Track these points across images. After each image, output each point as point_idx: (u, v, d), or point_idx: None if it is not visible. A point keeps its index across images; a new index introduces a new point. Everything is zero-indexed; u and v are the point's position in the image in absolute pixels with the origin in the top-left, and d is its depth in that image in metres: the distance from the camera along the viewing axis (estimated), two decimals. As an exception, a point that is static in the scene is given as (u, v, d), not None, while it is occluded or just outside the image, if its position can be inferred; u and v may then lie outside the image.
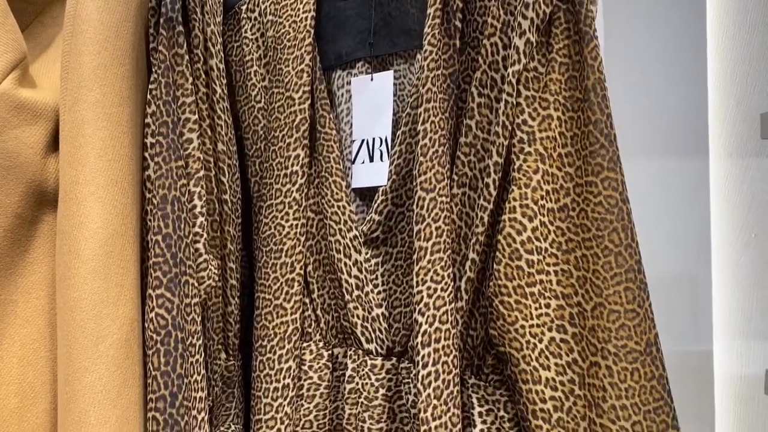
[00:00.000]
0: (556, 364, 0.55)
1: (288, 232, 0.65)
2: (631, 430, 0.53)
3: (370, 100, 0.65)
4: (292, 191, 0.64)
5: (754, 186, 0.93)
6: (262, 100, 0.68)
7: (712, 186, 0.93)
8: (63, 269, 0.51)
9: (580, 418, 0.55)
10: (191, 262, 0.56)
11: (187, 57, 0.59)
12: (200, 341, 0.56)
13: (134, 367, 0.52)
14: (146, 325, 0.53)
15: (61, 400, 0.50)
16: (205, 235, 0.58)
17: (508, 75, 0.56)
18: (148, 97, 0.56)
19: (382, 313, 0.65)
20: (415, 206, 0.58)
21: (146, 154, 0.56)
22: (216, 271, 0.60)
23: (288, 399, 0.64)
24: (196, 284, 0.56)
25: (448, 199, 0.58)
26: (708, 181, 0.93)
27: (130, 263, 0.53)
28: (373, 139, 0.65)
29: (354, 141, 0.67)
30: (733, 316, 0.91)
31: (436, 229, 0.58)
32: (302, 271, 0.65)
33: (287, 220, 0.65)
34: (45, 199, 0.55)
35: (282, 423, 0.64)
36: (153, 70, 0.57)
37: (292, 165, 0.64)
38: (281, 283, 0.65)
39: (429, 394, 0.57)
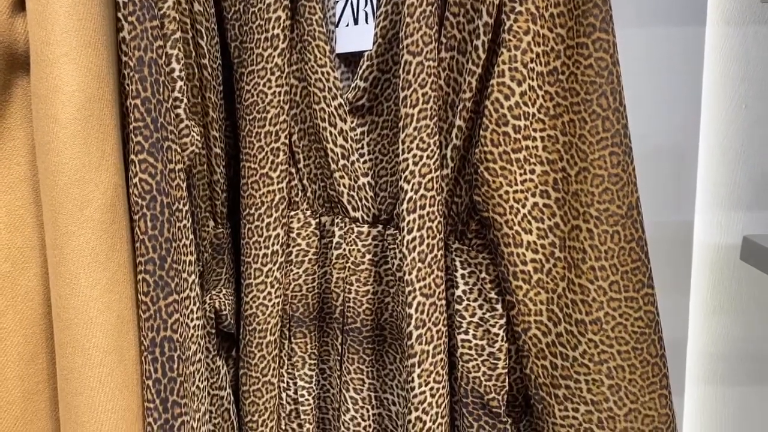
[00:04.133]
0: (538, 228, 0.57)
1: (271, 100, 0.63)
2: (609, 289, 0.55)
3: (354, -43, 0.62)
4: (274, 56, 0.62)
5: (750, 56, 0.91)
6: (240, -42, 0.64)
7: (706, 56, 0.91)
8: (41, 134, 0.50)
9: (560, 278, 0.57)
10: (172, 127, 0.55)
11: None
12: (187, 207, 0.56)
13: (121, 232, 0.52)
14: (131, 190, 0.53)
15: (50, 263, 0.51)
16: (185, 101, 0.57)
17: (501, -73, 0.53)
18: (117, -49, 0.53)
19: (368, 182, 0.65)
20: (401, 71, 0.56)
21: (119, 14, 0.53)
22: (198, 138, 0.59)
23: (277, 264, 0.66)
24: (179, 150, 0.55)
25: (436, 64, 0.57)
26: (702, 50, 0.91)
27: (110, 128, 0.52)
28: (358, -1, 0.62)
29: (337, 2, 0.63)
30: (716, 187, 0.92)
31: (423, 95, 0.56)
32: (287, 141, 0.65)
33: (270, 87, 0.63)
34: (16, 62, 0.53)
35: (272, 287, 0.66)
36: None
37: (273, 28, 0.62)
38: (266, 153, 0.64)
39: (414, 258, 0.58)
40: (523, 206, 0.56)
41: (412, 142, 0.57)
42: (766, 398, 0.96)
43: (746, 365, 0.96)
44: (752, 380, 0.96)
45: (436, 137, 0.57)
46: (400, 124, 0.57)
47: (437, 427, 0.59)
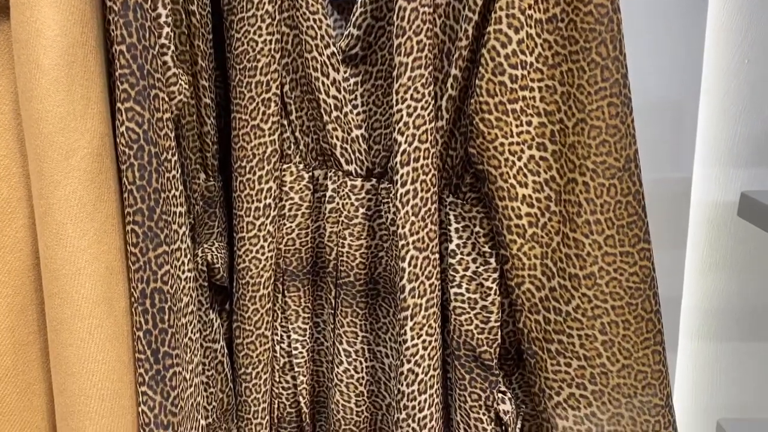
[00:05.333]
0: (533, 182, 0.56)
1: (262, 48, 0.61)
2: (604, 244, 0.55)
3: None
4: (264, 3, 0.60)
5: (754, 8, 0.88)
6: None
7: (709, 8, 0.89)
8: (24, 81, 0.49)
9: (554, 233, 0.56)
10: (159, 75, 0.53)
11: None
12: (175, 157, 0.55)
13: (109, 182, 0.51)
14: (117, 140, 0.52)
15: (37, 213, 0.50)
16: (173, 48, 0.55)
17: None
18: None
19: (362, 135, 0.63)
20: (395, 17, 0.55)
21: (102, -44, 0.51)
22: (187, 87, 0.58)
23: (270, 218, 0.65)
24: (166, 99, 0.54)
25: (431, 10, 0.55)
26: (706, 2, 0.88)
27: (95, 75, 0.50)
28: (351, -57, 0.60)
29: (330, -54, 0.61)
30: (716, 143, 0.91)
31: (418, 43, 0.55)
32: (278, 91, 0.63)
33: (260, 35, 0.61)
34: (-4, 6, 0.51)
35: (265, 240, 0.65)
36: None
37: (264, -27, 0.60)
38: (257, 103, 0.63)
39: (407, 212, 0.57)
40: (519, 159, 0.55)
41: (406, 92, 0.55)
42: (759, 354, 0.97)
43: (740, 321, 0.96)
44: (745, 336, 0.97)
45: (431, 87, 0.56)
46: (394, 74, 0.55)
47: (429, 379, 0.59)
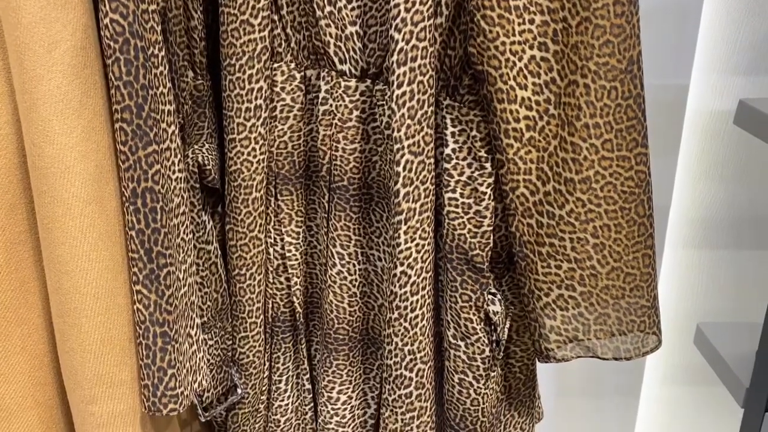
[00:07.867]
0: (533, 84, 0.54)
1: (251, -64, 0.58)
2: (601, 148, 0.54)
3: None
4: None
5: None
6: None
7: None
8: (-2, -34, 0.46)
9: (552, 136, 0.55)
10: (143, -38, 0.50)
11: None
12: (163, 53, 0.53)
13: (94, 77, 0.49)
14: (102, 33, 0.49)
15: (21, 109, 0.48)
16: (156, -68, 0.52)
17: None
18: None
19: (356, 32, 0.61)
20: None
21: None
22: (173, -23, 0.55)
23: (261, 119, 0.63)
24: (151, -11, 0.51)
25: None
26: None
27: (74, -39, 0.47)
28: None
29: None
30: (716, 49, 0.89)
31: (417, -68, 0.52)
32: (269, -17, 0.60)
33: None
34: None
35: (256, 143, 0.64)
36: None
37: None
38: (247, -4, 0.60)
39: (403, 114, 0.56)
40: (520, 59, 0.54)
41: (404, -16, 0.53)
42: (738, 262, 0.99)
43: (724, 230, 0.98)
44: (729, 244, 0.98)
45: (431, -19, 0.53)
46: (392, -34, 0.53)
47: (421, 281, 0.60)
